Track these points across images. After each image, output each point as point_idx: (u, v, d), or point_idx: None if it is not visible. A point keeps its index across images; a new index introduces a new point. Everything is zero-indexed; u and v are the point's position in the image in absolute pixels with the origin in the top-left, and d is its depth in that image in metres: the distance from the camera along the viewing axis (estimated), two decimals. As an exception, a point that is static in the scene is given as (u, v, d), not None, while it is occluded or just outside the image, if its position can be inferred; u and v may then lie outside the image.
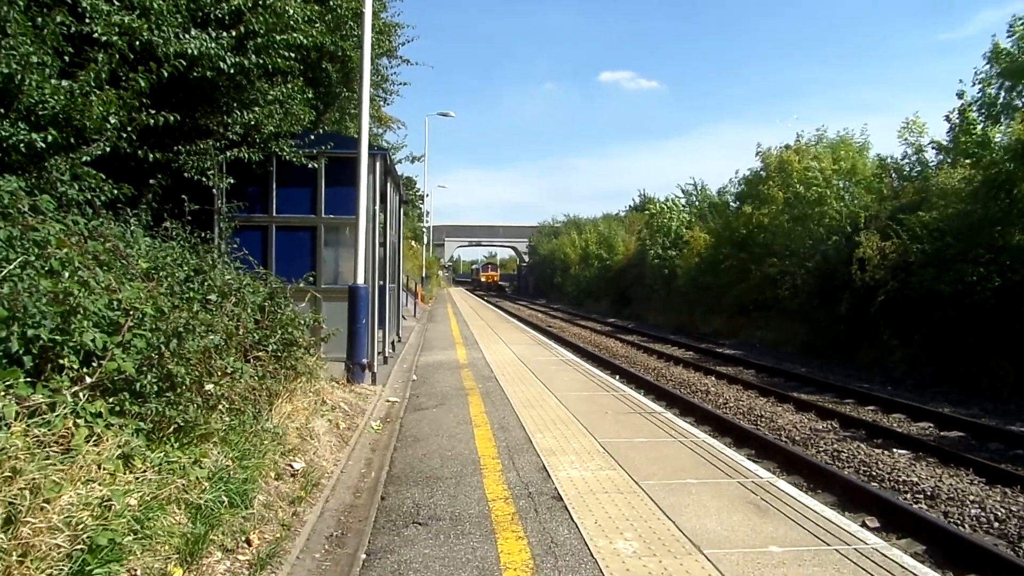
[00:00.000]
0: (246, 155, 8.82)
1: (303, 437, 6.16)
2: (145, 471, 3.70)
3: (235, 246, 7.89)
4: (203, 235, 7.42)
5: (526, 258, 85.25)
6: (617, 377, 13.84)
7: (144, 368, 4.01)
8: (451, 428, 7.28)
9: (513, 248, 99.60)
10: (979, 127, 17.88)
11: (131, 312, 4.01)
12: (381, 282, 11.82)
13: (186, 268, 5.95)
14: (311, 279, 8.84)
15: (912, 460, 8.43)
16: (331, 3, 10.73)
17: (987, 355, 13.69)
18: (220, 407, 4.83)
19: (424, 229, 52.56)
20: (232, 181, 9.23)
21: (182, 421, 4.23)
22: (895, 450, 8.88)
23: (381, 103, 19.66)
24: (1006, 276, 13.57)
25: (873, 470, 8.03)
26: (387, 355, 12.80)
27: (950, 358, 14.46)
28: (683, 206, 37.52)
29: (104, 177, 6.08)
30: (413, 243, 47.71)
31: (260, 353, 6.05)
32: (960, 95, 18.60)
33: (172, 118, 6.72)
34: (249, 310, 6.17)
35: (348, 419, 7.68)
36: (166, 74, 6.32)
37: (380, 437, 7.27)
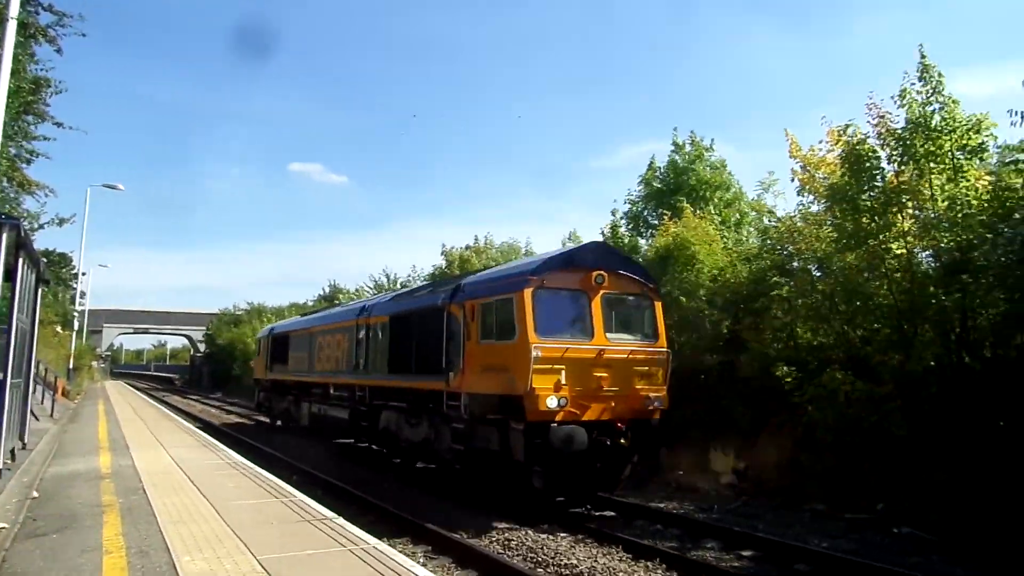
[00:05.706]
0: None
1: None
2: None
3: None
4: None
5: (202, 347, 77.70)
6: (295, 477, 12.94)
7: None
8: (73, 559, 5.99)
9: (187, 336, 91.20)
10: (627, 239, 21.33)
11: None
12: (-3, 376, 9.69)
13: None
14: None
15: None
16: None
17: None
18: None
19: (76, 313, 45.68)
20: None
21: None
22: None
23: (23, 164, 16.96)
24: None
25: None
26: (2, 467, 10.40)
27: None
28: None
29: None
30: (60, 329, 41.10)
31: None
32: (613, 213, 22.94)
33: None
34: None
35: (-78, 558, 5.93)
36: None
37: (-32, 579, 5.70)
